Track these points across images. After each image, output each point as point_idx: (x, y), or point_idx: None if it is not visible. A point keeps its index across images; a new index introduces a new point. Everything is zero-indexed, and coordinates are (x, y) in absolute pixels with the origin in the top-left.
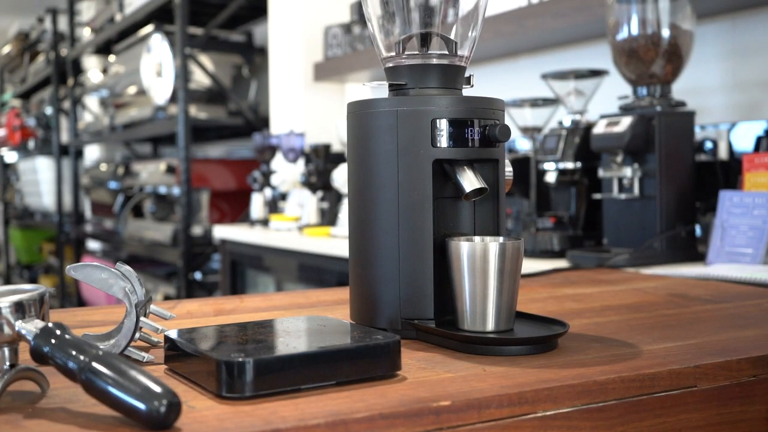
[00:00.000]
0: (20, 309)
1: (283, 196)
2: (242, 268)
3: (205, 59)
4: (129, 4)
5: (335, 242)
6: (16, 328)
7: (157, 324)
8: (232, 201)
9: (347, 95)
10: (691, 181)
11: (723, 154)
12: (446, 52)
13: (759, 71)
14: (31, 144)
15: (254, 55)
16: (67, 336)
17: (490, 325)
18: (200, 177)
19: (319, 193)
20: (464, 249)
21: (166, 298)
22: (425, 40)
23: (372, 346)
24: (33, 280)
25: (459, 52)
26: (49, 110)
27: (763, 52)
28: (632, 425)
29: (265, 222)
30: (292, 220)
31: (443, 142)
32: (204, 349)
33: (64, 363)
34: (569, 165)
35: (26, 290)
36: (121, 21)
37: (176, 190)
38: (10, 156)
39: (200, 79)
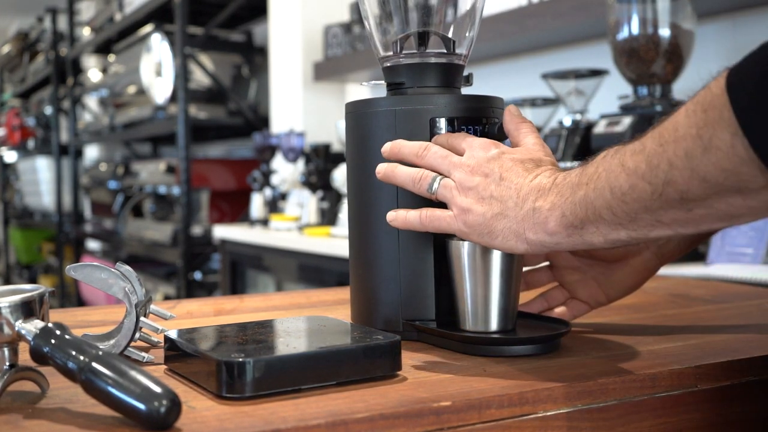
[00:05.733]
0: (20, 309)
1: (283, 196)
2: (242, 268)
3: (205, 59)
4: (129, 3)
5: (335, 242)
6: (16, 328)
7: (157, 324)
8: (232, 201)
9: (347, 95)
10: None
11: None
12: (444, 51)
13: None
14: (31, 144)
15: (254, 55)
16: (66, 336)
17: (492, 326)
18: (200, 177)
19: (319, 193)
20: (465, 249)
21: (166, 298)
22: (423, 39)
23: (372, 347)
24: (33, 280)
25: (457, 51)
26: (48, 110)
27: None
28: (633, 425)
29: (265, 222)
30: (292, 220)
31: None
32: (204, 349)
33: (63, 363)
34: (569, 165)
35: (26, 290)
36: (121, 20)
37: (176, 190)
38: (10, 156)
39: (200, 79)
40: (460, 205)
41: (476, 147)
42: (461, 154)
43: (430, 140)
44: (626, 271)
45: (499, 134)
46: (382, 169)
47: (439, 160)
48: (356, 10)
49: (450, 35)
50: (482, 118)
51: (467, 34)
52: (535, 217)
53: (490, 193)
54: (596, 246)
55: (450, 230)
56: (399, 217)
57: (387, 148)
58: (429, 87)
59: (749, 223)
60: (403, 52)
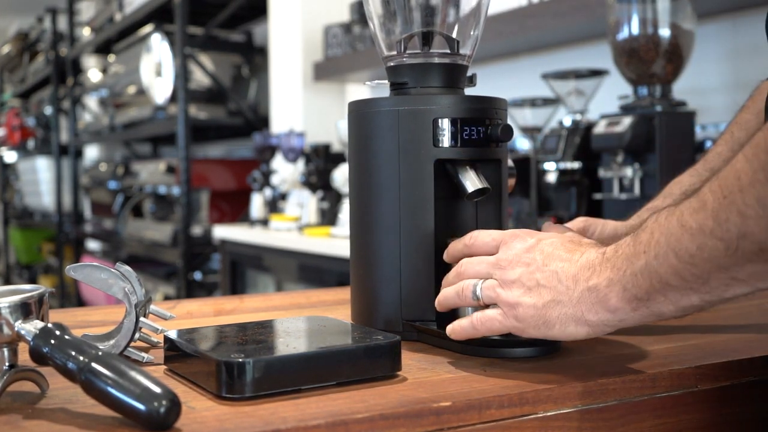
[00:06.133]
0: (20, 309)
1: (283, 196)
2: (242, 268)
3: (205, 59)
4: (128, 3)
5: (335, 242)
6: (16, 329)
7: (156, 324)
8: (232, 201)
9: (347, 95)
10: None
11: None
12: (448, 51)
13: (759, 71)
14: (31, 144)
15: (254, 55)
16: (66, 336)
17: None
18: (200, 177)
19: (319, 193)
20: None
21: (166, 298)
22: (427, 38)
23: (372, 347)
24: (32, 280)
25: (461, 51)
26: (48, 110)
27: (763, 52)
28: (633, 426)
29: (265, 222)
30: (292, 220)
31: (445, 141)
32: (204, 350)
33: (63, 363)
34: (570, 165)
35: (26, 290)
36: (121, 20)
37: (176, 190)
38: (10, 156)
39: (200, 79)
40: (506, 300)
41: (510, 241)
42: (491, 253)
43: (432, 140)
44: None
45: (502, 135)
46: (436, 301)
47: (476, 267)
48: (356, 10)
49: (454, 35)
50: (485, 119)
51: (471, 34)
52: (592, 297)
53: (536, 281)
54: (666, 316)
55: (504, 329)
56: (455, 330)
57: (436, 302)
58: (432, 87)
59: None
60: (407, 52)
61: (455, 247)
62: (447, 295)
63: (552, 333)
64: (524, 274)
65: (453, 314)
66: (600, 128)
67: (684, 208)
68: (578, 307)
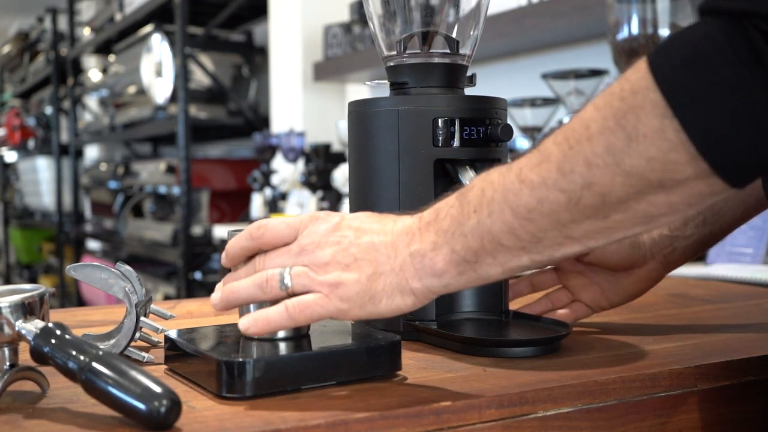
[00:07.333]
0: (20, 309)
1: (283, 196)
2: None
3: (205, 59)
4: (129, 3)
5: None
6: (16, 328)
7: (157, 324)
8: (232, 201)
9: (347, 95)
10: None
11: None
12: (448, 51)
13: None
14: (31, 144)
15: (254, 55)
16: (67, 336)
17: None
18: (200, 177)
19: (319, 193)
20: None
21: (166, 298)
22: (427, 38)
23: (372, 347)
24: (33, 280)
25: (461, 51)
26: (48, 110)
27: None
28: (633, 425)
29: None
30: None
31: (445, 141)
32: (204, 349)
33: (64, 363)
34: None
35: (26, 290)
36: (121, 21)
37: (176, 190)
38: (10, 156)
39: (200, 79)
40: (325, 281)
41: (311, 224)
42: (288, 242)
43: (432, 140)
44: (631, 279)
45: (502, 135)
46: (216, 299)
47: (276, 260)
48: (356, 10)
49: (454, 35)
50: (485, 119)
51: (471, 34)
52: (416, 263)
53: (353, 256)
54: (492, 279)
55: (326, 314)
56: (260, 320)
57: (218, 299)
58: (432, 87)
59: (748, 223)
60: (407, 51)
61: (237, 244)
62: (244, 288)
63: (379, 309)
64: (338, 253)
65: (454, 314)
66: None
67: (522, 164)
68: (401, 275)
